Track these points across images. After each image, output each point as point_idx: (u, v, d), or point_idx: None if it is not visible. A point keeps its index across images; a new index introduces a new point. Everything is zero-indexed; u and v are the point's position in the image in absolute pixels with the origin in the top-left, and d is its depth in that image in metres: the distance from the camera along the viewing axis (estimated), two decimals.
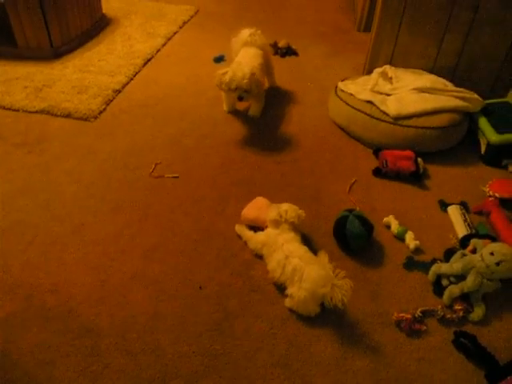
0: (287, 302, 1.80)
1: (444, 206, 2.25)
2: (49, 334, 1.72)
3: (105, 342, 1.70)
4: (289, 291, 1.77)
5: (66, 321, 1.77)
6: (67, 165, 2.50)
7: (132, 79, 3.24)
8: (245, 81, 2.45)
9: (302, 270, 1.72)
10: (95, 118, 2.86)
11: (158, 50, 3.59)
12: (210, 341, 1.70)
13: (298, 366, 1.63)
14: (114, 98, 3.03)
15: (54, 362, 1.64)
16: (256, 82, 2.51)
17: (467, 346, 1.67)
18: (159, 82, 3.21)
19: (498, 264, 1.74)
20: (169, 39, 3.76)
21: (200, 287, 1.88)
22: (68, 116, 2.88)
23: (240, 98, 2.55)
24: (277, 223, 1.93)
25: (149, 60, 3.47)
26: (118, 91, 3.10)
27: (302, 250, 1.84)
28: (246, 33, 2.89)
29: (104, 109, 2.93)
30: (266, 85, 3.03)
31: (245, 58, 2.72)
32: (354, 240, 1.98)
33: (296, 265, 1.75)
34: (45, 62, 3.41)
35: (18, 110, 2.93)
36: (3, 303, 1.83)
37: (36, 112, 2.91)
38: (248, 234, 2.03)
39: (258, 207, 2.12)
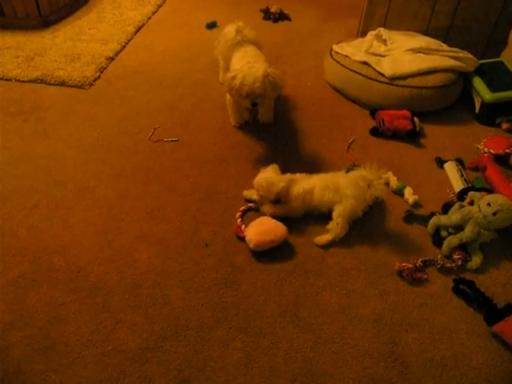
0: (323, 239, 1.92)
1: (440, 162, 2.29)
2: (59, 293, 1.76)
3: (115, 299, 1.74)
4: (334, 214, 1.93)
5: (75, 280, 1.80)
6: (65, 132, 2.50)
7: (125, 47, 3.21)
8: (257, 85, 2.07)
9: (342, 181, 1.94)
10: (90, 85, 2.84)
11: (149, 18, 3.55)
12: (218, 294, 1.75)
13: (305, 315, 1.68)
14: (107, 66, 3.01)
15: (66, 319, 1.68)
16: (272, 84, 2.14)
17: (466, 292, 1.74)
18: (152, 49, 3.18)
19: (494, 214, 1.80)
20: (159, 6, 3.71)
21: (206, 244, 1.91)
22: (62, 84, 2.86)
23: (254, 105, 2.17)
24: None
25: (140, 27, 3.43)
26: (112, 59, 3.07)
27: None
28: (231, 31, 2.44)
29: (98, 76, 2.91)
30: None
31: (249, 59, 2.29)
32: None
33: (335, 181, 1.96)
34: (34, 31, 3.36)
35: (10, 80, 2.90)
36: (12, 265, 1.85)
37: (29, 81, 2.89)
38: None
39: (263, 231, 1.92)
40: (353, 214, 1.93)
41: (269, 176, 1.99)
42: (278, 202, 2.00)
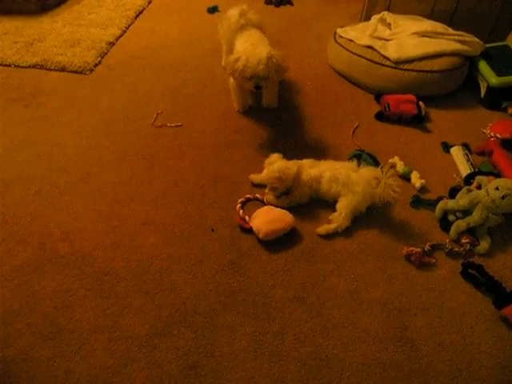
0: (324, 229, 1.89)
1: (447, 147, 2.27)
2: (65, 279, 1.74)
3: (122, 285, 1.72)
4: (339, 205, 1.92)
5: (81, 266, 1.78)
6: (67, 117, 2.47)
7: (125, 31, 3.17)
8: (261, 66, 2.04)
9: (353, 176, 1.92)
10: (91, 70, 2.80)
11: (150, 2, 3.50)
12: (225, 279, 1.73)
13: (314, 300, 1.67)
14: (108, 51, 2.97)
15: (72, 306, 1.67)
16: (276, 66, 2.10)
17: (475, 276, 1.73)
18: (153, 34, 3.14)
19: (503, 198, 1.78)
20: None
21: (212, 229, 1.90)
22: (62, 70, 2.82)
23: (257, 88, 2.13)
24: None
25: (141, 12, 3.39)
26: (112, 43, 3.03)
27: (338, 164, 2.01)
28: (235, 14, 2.41)
29: (99, 61, 2.88)
30: None
31: (252, 42, 2.26)
32: None
33: (345, 174, 1.93)
34: (32, 16, 3.31)
35: (9, 66, 2.87)
36: (17, 253, 1.84)
37: (29, 67, 2.86)
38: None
39: (271, 220, 1.89)
40: (356, 209, 1.92)
41: (279, 165, 1.95)
42: (286, 193, 1.98)
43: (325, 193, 1.97)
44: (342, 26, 2.86)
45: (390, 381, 1.47)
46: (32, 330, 1.60)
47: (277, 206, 1.94)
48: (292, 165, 1.96)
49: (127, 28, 3.20)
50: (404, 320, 1.62)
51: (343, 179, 1.92)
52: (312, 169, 1.99)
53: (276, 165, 1.95)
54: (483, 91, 2.56)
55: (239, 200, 2.00)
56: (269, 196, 1.98)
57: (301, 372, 1.49)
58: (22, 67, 2.85)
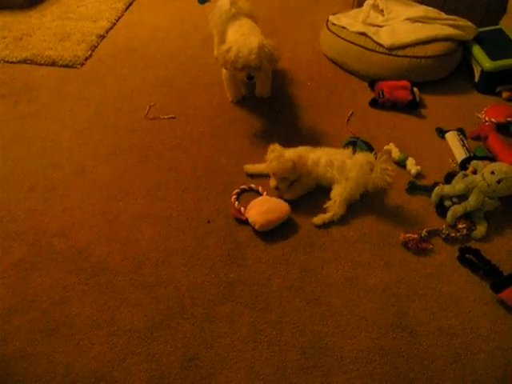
0: (320, 219, 1.88)
1: (441, 132, 2.27)
2: (62, 275, 1.74)
3: (119, 279, 1.72)
4: (333, 192, 1.91)
5: (77, 261, 1.78)
6: (59, 112, 2.45)
7: (115, 24, 3.12)
8: (252, 56, 2.02)
9: (347, 162, 1.92)
10: (81, 64, 2.77)
11: None
12: (223, 270, 1.73)
13: (312, 288, 1.67)
14: (98, 44, 2.94)
15: (70, 301, 1.66)
16: (268, 55, 2.08)
17: (472, 260, 1.74)
18: (144, 26, 3.10)
19: (499, 182, 1.78)
20: None
21: (208, 221, 1.89)
22: (53, 64, 2.78)
23: (249, 78, 2.11)
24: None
25: (130, 4, 3.34)
26: (102, 36, 2.99)
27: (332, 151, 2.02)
28: (226, 4, 2.37)
29: (90, 55, 2.84)
30: None
31: (244, 32, 2.24)
32: None
33: (340, 160, 1.93)
34: (20, 10, 3.26)
35: None
36: (12, 249, 1.83)
37: (19, 62, 2.82)
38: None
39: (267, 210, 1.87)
40: (351, 197, 1.91)
41: (290, 154, 1.89)
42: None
43: (321, 177, 1.96)
44: (334, 13, 2.83)
45: (389, 366, 1.48)
46: (30, 327, 1.59)
47: (285, 200, 1.92)
48: (304, 152, 1.95)
49: (117, 20, 3.15)
50: (402, 306, 1.62)
51: (338, 164, 1.92)
52: (310, 154, 1.98)
53: (287, 155, 1.88)
54: (477, 76, 2.54)
55: (234, 192, 1.99)
56: (277, 186, 1.92)
57: (300, 360, 1.49)
58: (12, 63, 2.81)
